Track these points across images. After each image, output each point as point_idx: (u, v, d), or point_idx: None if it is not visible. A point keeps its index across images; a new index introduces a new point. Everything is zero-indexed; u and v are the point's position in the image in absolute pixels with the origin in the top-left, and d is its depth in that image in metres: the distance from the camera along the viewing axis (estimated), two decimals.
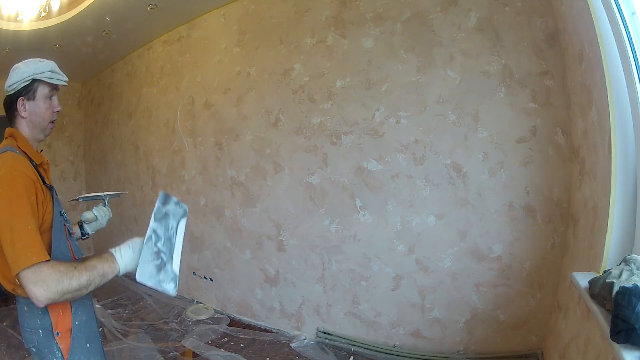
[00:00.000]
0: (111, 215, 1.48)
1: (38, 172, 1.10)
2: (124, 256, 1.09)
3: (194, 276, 3.50)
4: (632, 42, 1.24)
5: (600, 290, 1.14)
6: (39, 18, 2.93)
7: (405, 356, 2.38)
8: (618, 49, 1.28)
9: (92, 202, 1.48)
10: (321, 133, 2.59)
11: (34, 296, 0.93)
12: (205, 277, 3.41)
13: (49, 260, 0.96)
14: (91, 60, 4.16)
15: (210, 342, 2.76)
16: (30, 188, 1.02)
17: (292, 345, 2.68)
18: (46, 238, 1.07)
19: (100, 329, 3.09)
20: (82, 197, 1.47)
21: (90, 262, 1.04)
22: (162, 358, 2.54)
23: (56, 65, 1.21)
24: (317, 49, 2.57)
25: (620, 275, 1.10)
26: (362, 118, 2.43)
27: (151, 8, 3.01)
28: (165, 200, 1.17)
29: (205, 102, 3.24)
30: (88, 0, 2.77)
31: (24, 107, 1.15)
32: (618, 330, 0.95)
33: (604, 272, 1.20)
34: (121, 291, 3.82)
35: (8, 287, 1.09)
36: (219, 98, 3.14)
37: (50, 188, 1.14)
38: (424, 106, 2.24)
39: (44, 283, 0.93)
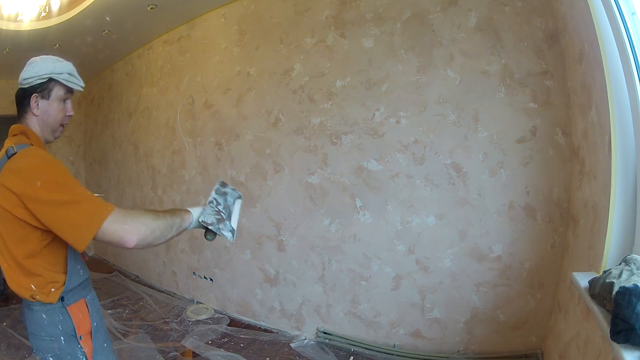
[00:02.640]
0: None
1: None
2: (196, 210, 1.12)
3: (194, 276, 3.50)
4: (632, 42, 1.24)
5: (600, 290, 1.14)
6: (39, 18, 2.93)
7: (405, 356, 2.38)
8: (618, 49, 1.28)
9: None
10: (321, 133, 2.59)
11: (126, 234, 0.92)
12: (205, 277, 3.41)
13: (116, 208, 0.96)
14: (91, 60, 4.16)
15: (210, 342, 2.76)
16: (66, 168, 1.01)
17: (292, 345, 2.68)
18: (57, 249, 1.05)
19: None
20: None
21: (168, 209, 1.06)
22: (162, 358, 2.54)
23: (74, 68, 1.18)
24: (317, 49, 2.57)
25: (620, 275, 1.10)
26: (362, 118, 2.43)
27: (151, 8, 3.01)
28: (223, 184, 1.31)
29: (205, 102, 3.24)
30: (88, 0, 2.77)
31: (37, 105, 1.12)
32: (618, 330, 0.95)
33: (604, 272, 1.20)
34: (121, 291, 3.82)
35: (25, 295, 1.05)
36: (219, 98, 3.14)
37: None
38: (424, 106, 2.24)
39: (132, 218, 0.94)
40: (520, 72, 2.01)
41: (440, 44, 2.17)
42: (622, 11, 1.26)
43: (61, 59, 1.15)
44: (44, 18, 2.95)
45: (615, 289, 1.05)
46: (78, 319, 1.10)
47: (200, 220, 1.11)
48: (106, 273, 4.39)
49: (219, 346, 2.69)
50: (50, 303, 1.05)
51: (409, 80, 2.27)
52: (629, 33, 1.24)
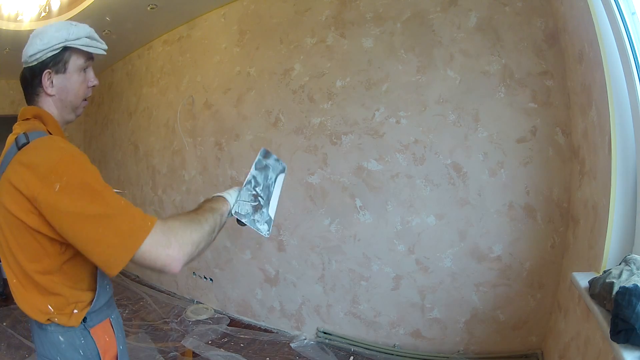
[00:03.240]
0: None
1: None
2: (232, 195, 0.99)
3: (194, 276, 3.50)
4: (632, 42, 1.24)
5: (600, 290, 1.14)
6: (39, 18, 2.92)
7: (405, 356, 2.38)
8: (618, 49, 1.28)
9: None
10: (321, 133, 2.59)
11: (171, 260, 0.74)
12: (205, 277, 3.41)
13: (157, 221, 0.77)
14: None
15: (210, 342, 2.76)
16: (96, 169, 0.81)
17: (292, 345, 2.68)
18: (82, 263, 0.87)
19: None
20: None
21: (205, 206, 0.90)
22: (162, 358, 2.54)
23: (93, 30, 0.98)
24: (317, 49, 2.57)
25: (620, 275, 1.10)
26: (362, 118, 2.43)
27: (151, 8, 3.01)
28: (266, 154, 1.16)
29: (205, 102, 3.24)
30: (88, 0, 2.77)
31: (51, 82, 0.92)
32: (618, 330, 0.95)
33: (604, 272, 1.20)
34: (121, 291, 3.82)
35: (41, 319, 0.85)
36: (219, 98, 3.14)
37: None
38: (424, 106, 2.24)
39: (176, 237, 0.76)
40: (520, 72, 2.01)
41: (440, 44, 2.17)
42: (622, 11, 1.26)
43: (75, 23, 0.95)
44: (44, 18, 2.95)
45: (615, 289, 1.05)
46: (104, 343, 0.92)
47: (233, 212, 0.97)
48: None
49: (219, 346, 2.69)
50: (72, 326, 0.87)
51: (409, 80, 2.27)
52: (629, 33, 1.24)
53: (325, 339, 2.66)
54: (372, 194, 2.44)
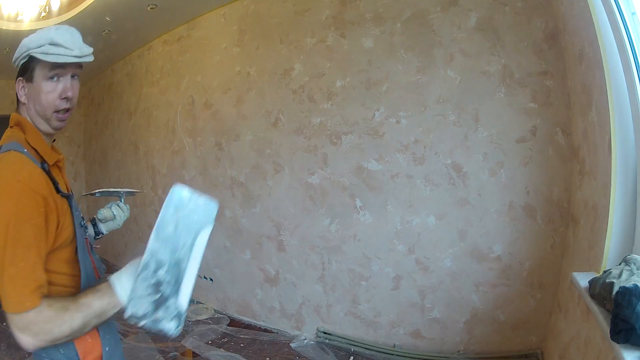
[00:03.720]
0: (129, 215, 1.26)
1: (51, 177, 0.86)
2: (125, 286, 0.80)
3: None
4: (632, 42, 1.24)
5: (600, 290, 1.14)
6: (39, 18, 2.92)
7: (405, 356, 2.38)
8: (618, 49, 1.28)
9: (106, 198, 1.32)
10: (321, 133, 2.59)
11: (21, 342, 0.78)
12: (205, 277, 3.41)
13: (39, 304, 0.76)
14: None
15: (210, 342, 2.76)
16: (36, 206, 0.78)
17: (292, 345, 2.68)
18: (66, 253, 0.89)
19: None
20: (99, 192, 1.28)
21: (86, 299, 0.80)
22: (162, 358, 2.54)
23: (68, 34, 0.89)
24: (317, 49, 2.57)
25: (620, 275, 1.10)
26: (362, 118, 2.42)
27: (151, 8, 3.01)
28: (178, 201, 0.80)
29: (205, 102, 3.24)
30: (88, 0, 2.77)
31: (24, 90, 0.90)
32: (618, 330, 0.95)
33: (604, 272, 1.20)
34: None
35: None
36: (219, 98, 3.14)
37: (68, 197, 0.91)
38: (424, 106, 2.24)
39: (31, 332, 0.77)
40: (520, 72, 2.01)
41: (440, 44, 2.17)
42: (622, 11, 1.26)
43: (58, 27, 0.90)
44: (44, 18, 2.95)
45: (615, 289, 1.05)
46: (84, 344, 0.91)
47: (125, 316, 0.78)
48: (106, 273, 4.38)
49: (219, 346, 2.69)
50: None
51: (409, 80, 2.27)
52: (629, 33, 1.24)
53: (325, 339, 2.66)
54: (372, 194, 2.44)
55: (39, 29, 0.92)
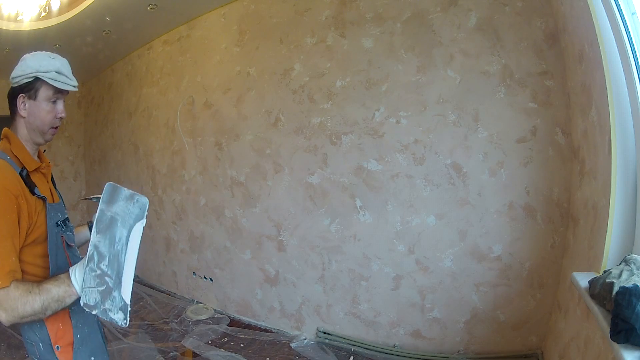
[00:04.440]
0: None
1: (27, 182, 1.00)
2: (78, 277, 0.92)
3: (194, 276, 3.50)
4: (632, 42, 1.24)
5: (600, 290, 1.14)
6: (39, 18, 2.93)
7: (405, 356, 2.38)
8: (618, 49, 1.28)
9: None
10: (321, 133, 2.59)
11: None
12: (205, 277, 3.41)
13: (9, 285, 0.89)
14: (91, 60, 4.16)
15: (210, 342, 2.76)
16: (9, 203, 0.92)
17: (292, 345, 2.68)
18: (40, 249, 1.02)
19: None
20: (95, 197, 1.33)
21: (47, 285, 0.92)
22: (162, 358, 2.54)
23: (67, 65, 1.08)
24: (317, 49, 2.57)
25: (620, 275, 1.10)
26: (362, 118, 2.43)
27: (151, 8, 3.01)
28: (111, 197, 0.88)
29: (205, 102, 3.24)
30: (88, 0, 2.77)
31: (24, 106, 1.04)
32: (618, 330, 0.95)
33: (604, 272, 1.20)
34: None
35: None
36: (219, 98, 3.14)
37: (43, 198, 1.04)
38: (424, 106, 2.24)
39: (2, 307, 0.88)
40: (520, 72, 2.01)
41: (440, 44, 2.17)
42: (622, 11, 1.26)
43: (53, 55, 1.06)
44: (44, 18, 2.95)
45: (615, 289, 1.05)
46: (56, 329, 1.04)
47: (82, 304, 0.90)
48: None
49: (219, 346, 2.69)
50: None
51: (409, 80, 2.27)
52: (629, 33, 1.24)
53: (325, 339, 2.66)
54: (372, 194, 2.44)
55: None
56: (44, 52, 1.07)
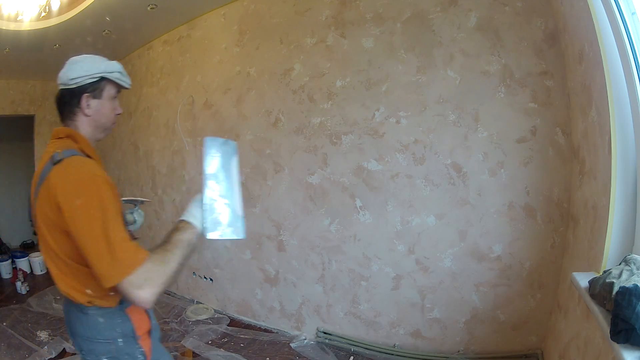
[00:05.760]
0: (143, 221, 1.47)
1: None
2: (197, 215, 1.00)
3: (194, 276, 3.50)
4: (632, 42, 1.24)
5: (600, 290, 1.14)
6: (39, 18, 2.92)
7: (405, 356, 2.38)
8: (618, 49, 1.28)
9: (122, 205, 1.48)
10: (321, 133, 2.59)
11: (142, 299, 0.87)
12: (205, 277, 3.41)
13: (144, 263, 0.89)
14: None
15: (210, 342, 2.76)
16: (112, 192, 0.95)
17: (292, 345, 2.68)
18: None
19: None
20: (124, 200, 1.45)
21: (174, 237, 0.97)
22: None
23: (123, 67, 1.17)
24: (317, 49, 2.57)
25: (620, 275, 1.10)
26: (362, 118, 2.43)
27: (151, 8, 3.01)
28: (211, 145, 1.07)
29: (205, 102, 3.24)
30: (88, 0, 2.77)
31: (88, 105, 1.08)
32: (618, 330, 0.95)
33: (604, 272, 1.20)
34: None
35: (82, 300, 1.01)
36: (219, 98, 3.14)
37: None
38: (424, 106, 2.24)
39: (151, 281, 0.88)
40: (520, 72, 2.01)
41: (440, 44, 2.17)
42: (622, 11, 1.26)
43: (105, 59, 1.13)
44: (44, 18, 2.95)
45: (615, 289, 1.05)
46: (138, 320, 1.08)
47: (207, 236, 1.00)
48: None
49: (219, 346, 2.69)
50: (110, 307, 1.03)
51: (409, 80, 2.27)
52: (629, 33, 1.24)
53: (325, 339, 2.66)
54: (372, 194, 2.44)
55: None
56: (94, 55, 1.13)
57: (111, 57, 1.13)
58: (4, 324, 3.07)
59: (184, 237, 0.97)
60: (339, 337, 2.62)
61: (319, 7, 2.55)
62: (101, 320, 1.03)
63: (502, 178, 2.09)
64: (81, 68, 1.06)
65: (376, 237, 2.45)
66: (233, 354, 2.55)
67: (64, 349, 2.66)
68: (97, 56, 1.12)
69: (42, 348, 2.64)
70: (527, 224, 2.07)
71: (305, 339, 2.73)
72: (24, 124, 4.94)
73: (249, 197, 2.98)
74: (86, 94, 1.08)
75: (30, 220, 1.07)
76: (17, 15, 2.84)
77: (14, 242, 5.45)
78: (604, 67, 1.32)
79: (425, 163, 2.26)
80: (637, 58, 1.22)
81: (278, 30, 2.75)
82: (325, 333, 2.68)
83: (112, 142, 4.59)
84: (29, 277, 4.39)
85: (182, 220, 1.00)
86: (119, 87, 1.15)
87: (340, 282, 2.61)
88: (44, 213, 0.96)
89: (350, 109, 2.46)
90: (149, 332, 1.13)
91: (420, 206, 2.30)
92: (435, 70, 2.19)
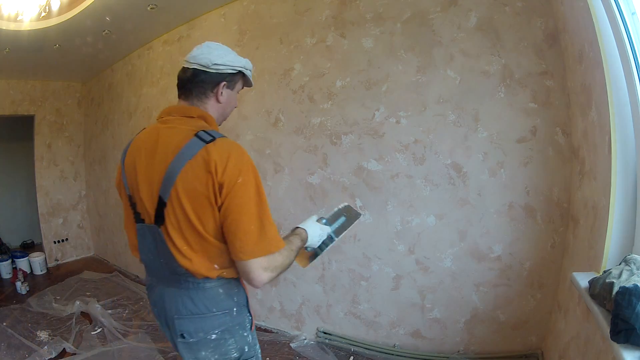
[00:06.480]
0: None
1: None
2: (315, 235, 1.24)
3: None
4: (632, 42, 1.24)
5: (600, 290, 1.14)
6: (39, 18, 2.92)
7: (405, 356, 2.38)
8: (618, 49, 1.28)
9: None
10: (321, 133, 2.59)
11: (260, 280, 0.97)
12: None
13: (282, 248, 1.03)
14: (91, 60, 4.16)
15: None
16: (260, 181, 1.04)
17: (292, 345, 2.68)
18: None
19: (100, 329, 3.09)
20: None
21: (292, 238, 1.13)
22: (162, 358, 2.54)
23: None
24: (317, 49, 2.57)
25: (620, 275, 1.10)
26: (362, 118, 2.43)
27: (151, 8, 3.01)
28: (345, 209, 1.45)
29: None
30: (88, 0, 2.77)
31: (222, 93, 1.14)
32: (618, 330, 0.95)
33: (604, 272, 1.20)
34: (121, 291, 3.83)
35: (211, 275, 1.05)
36: None
37: None
38: (424, 106, 2.24)
39: (275, 268, 1.00)
40: (520, 72, 2.01)
41: (440, 44, 2.17)
42: (622, 11, 1.26)
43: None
44: (44, 18, 2.95)
45: (615, 289, 1.05)
46: (246, 289, 1.16)
47: (317, 252, 1.31)
48: (106, 273, 4.39)
49: None
50: (233, 277, 1.09)
51: (409, 80, 2.27)
52: (629, 33, 1.24)
53: (325, 339, 2.66)
54: (372, 194, 2.44)
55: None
56: (228, 48, 1.23)
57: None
58: (4, 324, 3.07)
59: (299, 244, 1.13)
60: (339, 337, 2.62)
61: (319, 7, 2.55)
62: (221, 291, 1.07)
63: (502, 178, 2.09)
64: (226, 57, 1.15)
65: (376, 237, 2.45)
66: None
67: (64, 349, 2.67)
68: (233, 51, 1.22)
69: (42, 348, 2.64)
70: (527, 224, 2.07)
71: (305, 339, 2.73)
72: (24, 124, 4.94)
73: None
74: (224, 82, 1.14)
75: (128, 195, 1.11)
76: (17, 15, 2.84)
77: (14, 242, 5.45)
78: (604, 67, 1.32)
79: (425, 163, 2.26)
80: (637, 58, 1.22)
81: (278, 30, 2.75)
82: (325, 333, 2.68)
83: (112, 142, 4.59)
84: (29, 277, 4.39)
85: (299, 227, 1.19)
86: (244, 84, 1.23)
87: (340, 282, 2.61)
88: (192, 188, 0.97)
89: (350, 109, 2.46)
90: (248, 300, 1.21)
91: (420, 206, 2.30)
92: (435, 70, 2.19)
